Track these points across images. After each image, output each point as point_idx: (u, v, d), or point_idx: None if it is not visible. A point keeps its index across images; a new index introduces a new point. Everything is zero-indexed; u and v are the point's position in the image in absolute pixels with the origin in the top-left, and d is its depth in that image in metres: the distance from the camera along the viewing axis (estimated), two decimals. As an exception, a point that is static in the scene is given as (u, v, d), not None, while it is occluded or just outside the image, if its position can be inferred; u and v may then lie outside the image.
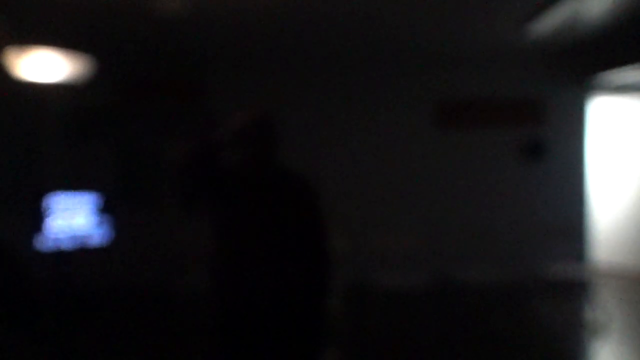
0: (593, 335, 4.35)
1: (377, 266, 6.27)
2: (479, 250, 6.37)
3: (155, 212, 6.21)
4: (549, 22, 4.68)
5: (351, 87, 6.39)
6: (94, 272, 6.03)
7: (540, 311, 5.03)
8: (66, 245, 4.48)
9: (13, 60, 4.64)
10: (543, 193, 6.38)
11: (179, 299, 5.80)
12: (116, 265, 6.10)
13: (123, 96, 6.21)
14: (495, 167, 6.39)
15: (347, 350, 4.01)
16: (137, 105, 6.23)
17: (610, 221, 6.83)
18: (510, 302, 5.42)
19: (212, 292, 2.06)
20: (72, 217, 4.54)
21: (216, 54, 5.91)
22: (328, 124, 6.35)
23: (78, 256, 5.16)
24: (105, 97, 6.16)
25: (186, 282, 6.20)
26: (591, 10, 4.61)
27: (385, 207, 6.33)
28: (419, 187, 6.39)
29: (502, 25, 4.99)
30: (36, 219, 4.32)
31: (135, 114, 6.24)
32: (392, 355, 4.01)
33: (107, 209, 4.83)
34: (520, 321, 4.76)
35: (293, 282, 1.99)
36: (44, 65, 4.72)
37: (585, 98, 6.38)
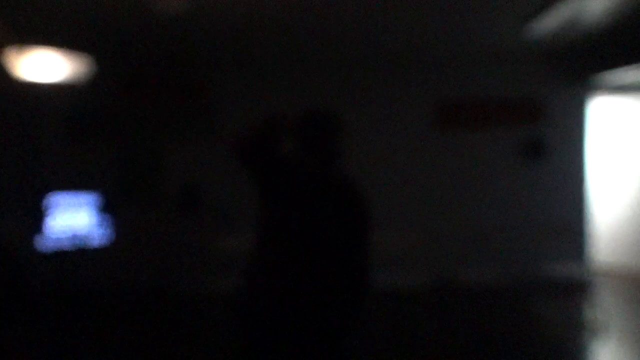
0: (593, 335, 4.35)
1: (378, 266, 6.28)
2: (479, 250, 6.38)
3: (155, 212, 6.21)
4: (549, 22, 4.69)
5: (351, 87, 6.40)
6: (94, 272, 6.03)
7: (540, 311, 5.03)
8: (66, 246, 4.48)
9: (13, 60, 4.64)
10: (543, 193, 6.38)
11: (179, 299, 5.80)
12: (116, 265, 6.10)
13: (123, 96, 6.21)
14: (495, 167, 6.40)
15: (347, 351, 4.00)
16: (137, 105, 6.24)
17: (610, 221, 6.83)
18: (510, 302, 5.42)
19: (243, 288, 2.00)
20: (72, 217, 4.54)
21: (216, 54, 5.92)
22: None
23: (78, 256, 5.18)
24: (105, 97, 6.17)
25: (186, 282, 6.21)
26: (591, 10, 4.61)
27: (385, 207, 6.33)
28: (419, 187, 6.39)
29: (502, 25, 4.99)
30: (37, 219, 4.32)
31: (135, 114, 6.24)
32: (392, 356, 4.01)
33: (107, 209, 4.84)
34: (520, 321, 4.76)
35: (332, 291, 1.92)
36: (44, 65, 4.72)
37: (585, 98, 6.38)
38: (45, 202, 4.37)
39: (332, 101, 6.38)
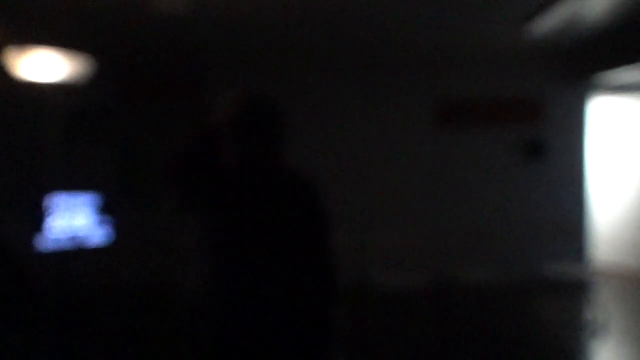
0: (593, 335, 4.35)
1: (377, 266, 6.27)
2: (479, 250, 6.37)
3: (155, 212, 6.21)
4: (549, 22, 4.68)
5: (351, 87, 6.39)
6: (94, 272, 6.03)
7: (540, 311, 5.03)
8: (66, 246, 4.48)
9: (13, 60, 4.64)
10: (543, 193, 6.38)
11: (179, 299, 5.80)
12: (116, 265, 6.10)
13: (123, 96, 6.21)
14: (495, 167, 6.39)
15: (347, 351, 4.00)
16: (137, 105, 6.23)
17: (610, 221, 6.83)
18: (510, 302, 5.42)
19: (209, 296, 1.92)
20: (72, 218, 4.54)
21: (216, 54, 5.91)
22: (328, 124, 6.35)
23: (78, 256, 5.17)
24: (105, 98, 6.16)
25: (186, 282, 6.20)
26: (591, 10, 4.61)
27: (385, 207, 6.33)
28: (419, 187, 6.39)
29: (502, 25, 4.98)
30: (36, 219, 4.32)
31: (135, 114, 6.24)
32: (392, 356, 4.01)
33: (107, 209, 4.83)
34: (520, 321, 4.76)
35: (296, 289, 1.79)
36: (44, 65, 4.72)
37: (585, 98, 6.37)
38: (45, 202, 4.36)
39: (332, 101, 6.38)
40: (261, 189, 1.83)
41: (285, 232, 1.80)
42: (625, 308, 5.28)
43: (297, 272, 1.79)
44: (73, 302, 5.18)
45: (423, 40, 5.53)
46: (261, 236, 1.79)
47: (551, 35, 5.25)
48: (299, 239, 1.80)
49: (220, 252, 1.88)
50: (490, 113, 6.38)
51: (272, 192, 1.83)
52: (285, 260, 1.78)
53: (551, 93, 6.37)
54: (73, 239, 4.53)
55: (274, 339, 1.78)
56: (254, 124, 1.87)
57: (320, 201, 1.87)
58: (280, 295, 1.78)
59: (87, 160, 6.15)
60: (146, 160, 6.27)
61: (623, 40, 5.34)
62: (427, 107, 6.39)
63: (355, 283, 6.02)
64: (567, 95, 6.37)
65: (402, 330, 4.61)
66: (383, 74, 6.39)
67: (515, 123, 6.37)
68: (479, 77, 6.40)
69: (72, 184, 5.60)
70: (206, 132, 1.79)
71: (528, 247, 6.35)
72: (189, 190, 1.84)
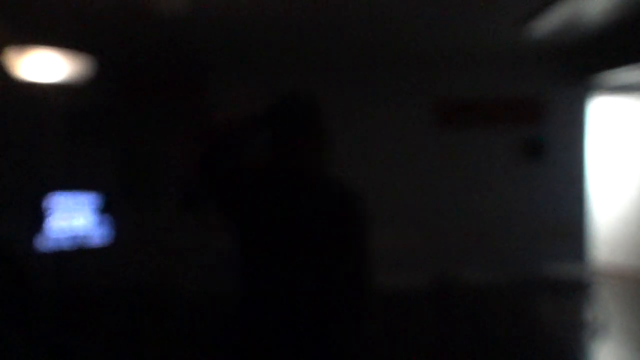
0: (593, 335, 4.35)
1: (378, 266, 6.27)
2: (479, 250, 6.38)
3: (155, 212, 6.21)
4: (549, 22, 4.68)
5: (351, 86, 6.39)
6: (94, 272, 6.03)
7: (540, 311, 5.03)
8: (66, 245, 4.48)
9: (13, 60, 4.64)
10: (543, 193, 6.38)
11: (179, 299, 5.80)
12: (116, 265, 6.09)
13: (123, 96, 6.21)
14: (495, 167, 6.39)
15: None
16: (137, 105, 6.23)
17: (610, 221, 6.83)
18: (510, 302, 5.42)
19: (237, 302, 1.73)
20: (72, 217, 4.54)
21: (216, 54, 5.91)
22: (327, 124, 6.35)
23: (78, 256, 5.16)
24: (105, 97, 6.16)
25: (186, 282, 6.20)
26: (591, 10, 4.61)
27: (385, 207, 6.33)
28: (419, 186, 6.39)
29: (502, 25, 4.98)
30: (36, 219, 4.32)
31: (135, 114, 6.24)
32: (392, 356, 4.01)
33: (107, 209, 4.83)
34: (520, 321, 4.76)
35: (329, 299, 1.62)
36: (44, 65, 4.72)
37: (585, 98, 6.37)
38: (45, 202, 4.36)
39: (332, 101, 6.37)
40: (299, 194, 1.65)
41: (323, 240, 1.62)
42: (625, 308, 5.28)
43: (331, 280, 1.63)
44: (73, 302, 5.18)
45: (423, 40, 5.53)
46: (297, 243, 1.62)
47: (551, 35, 5.25)
48: (337, 247, 1.64)
49: (251, 258, 1.69)
50: (490, 113, 6.38)
51: (312, 199, 1.64)
52: (320, 268, 1.62)
53: (551, 93, 6.38)
54: (73, 239, 4.53)
55: (305, 347, 1.63)
56: (293, 122, 1.66)
57: (365, 211, 1.72)
58: (311, 303, 1.63)
59: (87, 160, 6.15)
60: (146, 160, 6.27)
61: (623, 40, 5.34)
62: (427, 107, 6.39)
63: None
64: (567, 95, 6.37)
65: (402, 330, 4.61)
66: (383, 74, 6.39)
67: (515, 123, 6.37)
68: (479, 77, 6.40)
69: (72, 184, 5.60)
70: (235, 128, 1.62)
71: (528, 247, 6.36)
72: (214, 190, 1.67)
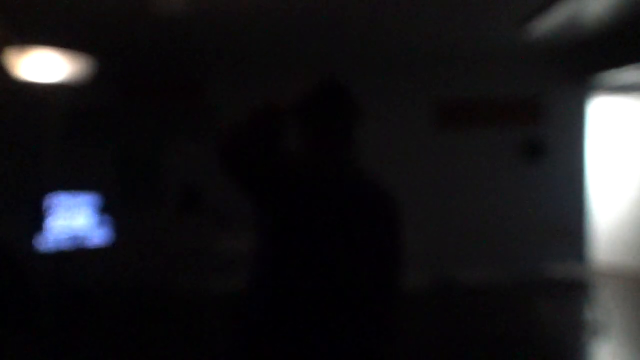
0: (593, 335, 4.35)
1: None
2: (479, 250, 6.38)
3: (154, 212, 6.21)
4: (549, 22, 4.68)
5: (350, 86, 6.39)
6: (94, 272, 6.03)
7: (540, 311, 5.03)
8: (66, 246, 4.48)
9: (13, 60, 4.64)
10: (543, 193, 6.38)
11: (179, 299, 5.80)
12: (116, 265, 6.10)
13: (123, 96, 6.21)
14: (495, 167, 6.39)
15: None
16: (137, 105, 6.23)
17: (610, 221, 6.83)
18: (510, 302, 5.42)
19: (257, 299, 1.60)
20: (72, 218, 4.54)
21: (216, 54, 5.91)
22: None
23: (78, 256, 5.18)
24: (105, 97, 6.17)
25: (186, 282, 6.21)
26: (591, 10, 4.61)
27: (385, 207, 6.32)
28: (419, 187, 6.39)
29: (502, 25, 4.99)
30: (36, 219, 4.32)
31: (135, 114, 6.24)
32: (392, 356, 4.01)
33: (107, 209, 4.83)
34: (520, 321, 4.76)
35: (362, 308, 1.53)
36: (44, 65, 4.72)
37: (585, 98, 6.38)
38: (45, 202, 4.36)
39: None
40: (339, 189, 1.53)
41: (361, 239, 1.52)
42: (625, 308, 5.28)
43: (368, 281, 1.54)
44: (73, 301, 5.18)
45: (423, 40, 5.53)
46: (336, 241, 1.50)
47: (551, 35, 5.25)
48: (375, 247, 1.55)
49: (284, 255, 1.56)
50: (490, 113, 6.39)
51: (340, 197, 1.52)
52: (357, 268, 1.52)
53: (551, 93, 6.38)
54: (73, 239, 4.53)
55: (338, 349, 1.53)
56: (332, 112, 1.56)
57: (396, 209, 1.64)
58: (346, 304, 1.53)
59: (87, 160, 6.16)
60: (146, 160, 6.27)
61: (623, 40, 5.35)
62: (427, 107, 6.40)
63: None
64: (567, 95, 6.37)
65: (402, 331, 4.61)
66: (383, 74, 6.39)
67: (515, 123, 6.37)
68: (479, 77, 6.40)
69: (72, 184, 5.61)
70: (269, 116, 1.47)
71: (528, 247, 6.36)
72: (245, 182, 1.51)
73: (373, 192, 1.58)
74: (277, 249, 1.54)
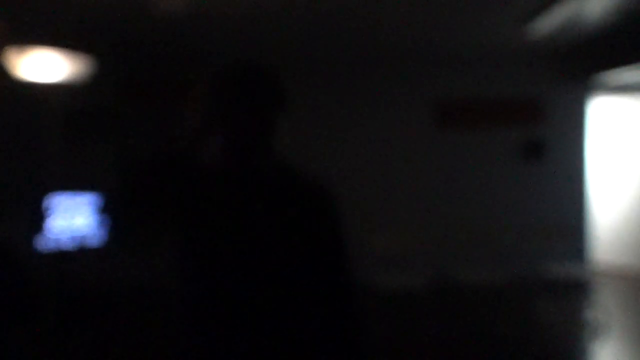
0: (593, 335, 4.34)
1: (377, 266, 6.27)
2: (478, 250, 6.37)
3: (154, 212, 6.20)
4: (549, 22, 4.68)
5: (350, 87, 6.39)
6: (94, 272, 6.02)
7: (540, 311, 5.03)
8: (66, 246, 4.48)
9: (13, 60, 4.64)
10: (543, 193, 6.38)
11: (179, 299, 5.79)
12: (116, 265, 6.09)
13: (123, 96, 6.21)
14: (494, 167, 6.39)
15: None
16: (136, 105, 6.23)
17: (610, 221, 6.83)
18: (510, 302, 5.42)
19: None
20: (72, 218, 4.54)
21: (216, 54, 5.91)
22: (327, 124, 6.35)
23: (78, 256, 5.17)
24: (105, 97, 6.16)
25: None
26: (591, 10, 4.61)
27: (385, 207, 6.33)
28: (418, 187, 6.39)
29: (502, 25, 4.98)
30: (36, 219, 4.32)
31: (135, 114, 6.24)
32: (392, 356, 4.01)
33: (107, 209, 4.83)
34: (520, 321, 4.76)
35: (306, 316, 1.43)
36: (44, 65, 4.72)
37: (585, 98, 6.37)
38: (45, 202, 4.36)
39: (331, 101, 6.37)
40: (258, 190, 1.41)
41: (293, 242, 1.40)
42: (625, 308, 5.28)
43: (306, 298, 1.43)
44: (73, 302, 5.18)
45: (423, 40, 5.53)
46: (260, 247, 1.38)
47: (551, 35, 5.25)
48: (310, 251, 1.42)
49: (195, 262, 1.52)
50: (490, 113, 6.38)
51: (273, 195, 1.41)
52: (292, 273, 1.41)
53: (551, 93, 6.37)
54: (73, 239, 4.52)
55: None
56: (247, 96, 1.35)
57: (337, 210, 1.48)
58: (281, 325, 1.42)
59: (87, 160, 6.15)
60: (146, 160, 6.27)
61: (623, 40, 5.34)
62: (427, 107, 6.39)
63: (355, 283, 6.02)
64: (567, 95, 6.37)
65: (402, 331, 4.61)
66: (383, 74, 6.38)
67: (515, 123, 6.37)
68: (479, 77, 6.40)
69: (72, 184, 5.61)
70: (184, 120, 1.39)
71: (528, 247, 6.35)
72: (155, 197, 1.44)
73: (299, 188, 1.43)
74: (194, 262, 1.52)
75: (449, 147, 6.39)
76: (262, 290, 1.39)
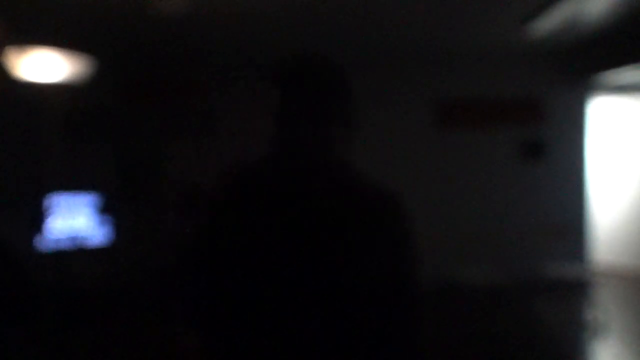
0: (593, 335, 4.35)
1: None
2: (478, 250, 6.37)
3: (155, 212, 6.20)
4: (549, 22, 4.68)
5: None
6: (94, 272, 6.02)
7: (540, 311, 5.03)
8: (66, 246, 4.48)
9: (13, 60, 4.64)
10: (543, 193, 6.37)
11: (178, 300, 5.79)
12: (116, 265, 6.09)
13: (123, 96, 6.21)
14: (494, 167, 6.39)
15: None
16: (136, 105, 6.23)
17: (610, 221, 6.82)
18: (510, 302, 5.42)
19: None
20: (72, 218, 4.54)
21: (216, 54, 5.91)
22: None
23: (78, 256, 5.17)
24: (105, 97, 6.16)
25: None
26: (591, 10, 4.61)
27: (385, 207, 6.32)
28: (418, 187, 6.38)
29: (502, 25, 4.98)
30: (36, 219, 4.32)
31: (135, 114, 6.24)
32: (391, 356, 4.01)
33: (107, 209, 4.83)
34: (520, 321, 4.76)
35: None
36: (44, 65, 4.72)
37: (585, 98, 6.37)
38: (45, 202, 4.37)
39: (332, 101, 6.36)
40: (322, 193, 1.28)
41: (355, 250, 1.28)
42: (625, 308, 5.28)
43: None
44: (73, 302, 5.18)
45: (423, 40, 5.53)
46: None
47: (551, 35, 5.25)
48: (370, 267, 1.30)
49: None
50: (490, 113, 6.38)
51: (339, 199, 1.29)
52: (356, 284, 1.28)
53: (551, 93, 6.37)
54: (73, 239, 4.53)
55: None
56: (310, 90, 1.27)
57: (403, 217, 1.38)
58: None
59: (87, 160, 6.15)
60: (146, 160, 6.27)
61: (623, 40, 5.34)
62: (427, 107, 6.39)
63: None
64: (567, 95, 6.37)
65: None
66: (383, 74, 6.38)
67: (515, 123, 6.36)
68: (479, 77, 6.39)
69: (72, 184, 5.61)
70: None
71: (528, 247, 6.35)
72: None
73: (364, 193, 1.35)
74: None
75: (449, 147, 6.39)
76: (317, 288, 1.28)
